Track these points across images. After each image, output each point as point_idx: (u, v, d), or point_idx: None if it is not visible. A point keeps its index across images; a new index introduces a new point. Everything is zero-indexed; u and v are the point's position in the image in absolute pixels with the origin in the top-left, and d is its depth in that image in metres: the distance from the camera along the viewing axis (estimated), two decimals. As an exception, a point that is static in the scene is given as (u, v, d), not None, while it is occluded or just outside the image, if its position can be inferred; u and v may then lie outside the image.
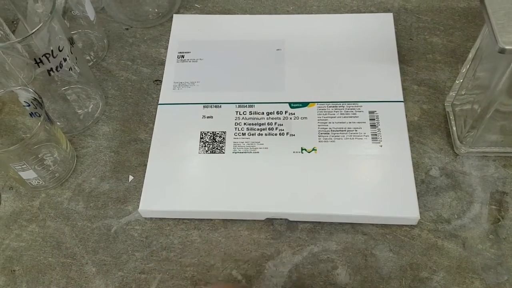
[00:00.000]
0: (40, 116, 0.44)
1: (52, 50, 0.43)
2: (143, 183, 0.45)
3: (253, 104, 0.49)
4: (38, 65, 0.43)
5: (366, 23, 0.53)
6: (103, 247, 0.44)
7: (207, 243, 0.43)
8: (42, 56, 0.43)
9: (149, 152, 0.47)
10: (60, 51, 0.44)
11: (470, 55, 0.45)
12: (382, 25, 0.53)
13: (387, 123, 0.47)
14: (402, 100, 0.48)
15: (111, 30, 0.58)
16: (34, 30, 0.40)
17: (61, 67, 0.45)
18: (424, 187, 0.45)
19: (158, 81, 0.53)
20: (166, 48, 0.54)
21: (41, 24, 0.40)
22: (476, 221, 0.43)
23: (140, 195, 0.44)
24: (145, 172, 0.46)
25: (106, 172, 0.48)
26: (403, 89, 0.49)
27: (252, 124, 0.48)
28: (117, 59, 0.56)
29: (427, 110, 0.49)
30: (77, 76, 0.49)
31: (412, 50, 0.54)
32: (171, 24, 0.56)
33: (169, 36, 0.55)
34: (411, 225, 0.43)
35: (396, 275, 0.41)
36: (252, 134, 0.47)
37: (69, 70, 0.46)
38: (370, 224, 0.43)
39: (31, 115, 0.46)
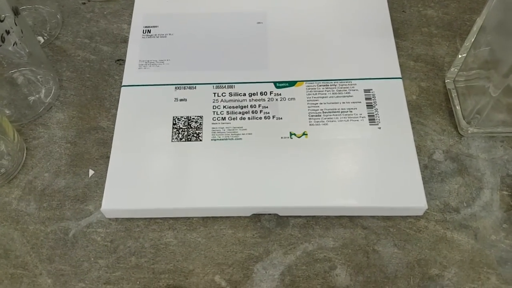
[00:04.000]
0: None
1: (-11, 21, 0.36)
2: (105, 178, 0.38)
3: (233, 84, 0.43)
4: (-26, 39, 0.36)
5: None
6: (60, 255, 0.37)
7: (184, 246, 0.37)
8: (-22, 28, 0.35)
9: (112, 142, 0.40)
10: (1, 21, 0.36)
11: (475, 28, 0.40)
12: (373, -5, 0.48)
13: (385, 102, 0.41)
14: (400, 76, 0.43)
15: (65, 4, 0.51)
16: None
17: (3, 41, 0.37)
18: (428, 173, 0.40)
19: (121, 61, 0.46)
20: (129, 23, 0.48)
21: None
22: (488, 209, 0.39)
23: (103, 192, 0.38)
24: (107, 165, 0.39)
25: (62, 167, 0.41)
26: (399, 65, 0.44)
27: (233, 107, 0.41)
28: (72, 37, 0.48)
29: (426, 88, 0.44)
30: (27, 57, 0.42)
31: (405, 23, 0.49)
32: (135, -3, 0.49)
33: (133, 9, 0.48)
34: (416, 216, 0.38)
35: (403, 274, 0.36)
36: (233, 119, 0.41)
37: (14, 45, 0.39)
38: (371, 216, 0.38)
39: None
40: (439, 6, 0.50)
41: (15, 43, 0.38)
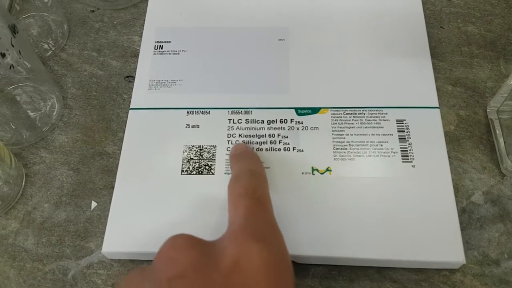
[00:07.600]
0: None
1: (-17, 43, 0.32)
2: (108, 212, 0.35)
3: (250, 110, 0.39)
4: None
5: (389, 6, 0.43)
6: (58, 298, 0.34)
7: (192, 294, 0.34)
8: (-30, 50, 0.32)
9: (117, 170, 0.37)
10: (-5, 43, 0.33)
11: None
12: (408, 9, 0.43)
13: (420, 135, 0.37)
14: (438, 106, 0.38)
15: (72, 12, 0.47)
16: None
17: (-3, 65, 0.34)
18: (466, 218, 0.36)
19: (131, 77, 0.43)
20: (141, 35, 0.44)
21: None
22: (532, 262, 0.34)
23: (105, 228, 0.35)
24: (111, 196, 0.36)
25: (63, 197, 0.38)
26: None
27: (249, 135, 0.38)
28: (79, 49, 0.45)
29: (465, 117, 0.40)
30: (26, 72, 0.39)
31: (443, 41, 0.44)
32: (146, 5, 0.45)
33: (145, 19, 0.44)
34: (451, 268, 0.34)
35: (435, 336, 0.32)
36: (249, 150, 0.37)
37: (11, 68, 0.35)
38: (401, 268, 0.34)
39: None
40: (481, 22, 0.45)
41: (11, 66, 0.35)
